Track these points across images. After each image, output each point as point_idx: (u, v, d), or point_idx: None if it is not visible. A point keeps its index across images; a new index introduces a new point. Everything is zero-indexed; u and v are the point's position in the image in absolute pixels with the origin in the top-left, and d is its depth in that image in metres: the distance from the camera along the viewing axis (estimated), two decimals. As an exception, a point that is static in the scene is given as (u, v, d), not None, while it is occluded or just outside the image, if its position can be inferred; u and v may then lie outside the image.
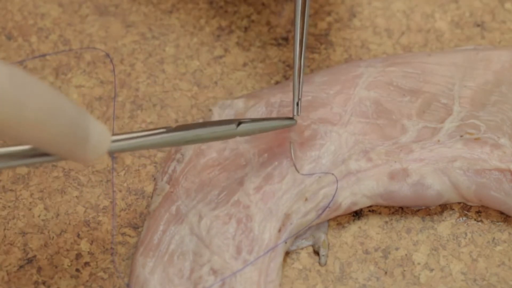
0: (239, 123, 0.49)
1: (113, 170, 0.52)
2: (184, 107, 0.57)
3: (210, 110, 0.55)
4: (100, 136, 0.42)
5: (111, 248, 0.52)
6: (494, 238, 0.51)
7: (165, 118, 0.57)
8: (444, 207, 0.53)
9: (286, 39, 0.60)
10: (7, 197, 0.53)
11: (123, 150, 0.45)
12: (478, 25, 0.60)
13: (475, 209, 0.52)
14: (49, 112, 0.39)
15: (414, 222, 0.52)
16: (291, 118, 0.51)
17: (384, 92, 0.55)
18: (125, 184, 0.54)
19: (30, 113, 0.38)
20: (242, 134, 0.49)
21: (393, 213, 0.53)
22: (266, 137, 0.53)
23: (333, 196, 0.51)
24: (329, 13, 0.61)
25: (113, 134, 0.45)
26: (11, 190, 0.54)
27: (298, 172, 0.51)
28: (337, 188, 0.51)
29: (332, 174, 0.51)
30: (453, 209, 0.53)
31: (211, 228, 0.50)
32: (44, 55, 0.59)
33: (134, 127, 0.56)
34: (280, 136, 0.52)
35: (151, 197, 0.53)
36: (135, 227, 0.52)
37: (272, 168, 0.52)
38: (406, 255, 0.51)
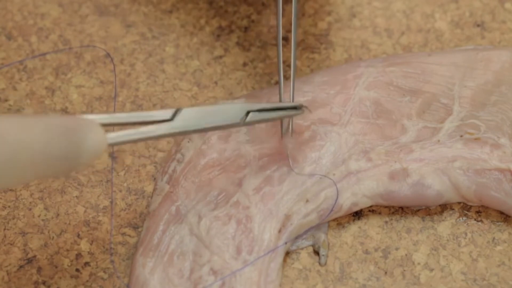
0: (248, 112, 0.48)
1: (112, 170, 0.52)
2: (184, 107, 0.57)
3: (210, 110, 0.55)
4: (95, 145, 0.41)
5: (110, 248, 0.52)
6: (494, 238, 0.51)
7: (165, 118, 0.57)
8: (444, 207, 0.53)
9: (286, 39, 0.60)
10: (7, 197, 0.53)
11: (122, 143, 0.44)
12: (478, 25, 0.60)
13: (475, 209, 0.52)
14: (40, 166, 0.38)
15: (414, 222, 0.52)
16: (299, 108, 0.50)
17: (384, 92, 0.55)
18: (125, 184, 0.54)
19: (23, 174, 0.38)
20: (247, 125, 0.48)
21: (393, 213, 0.53)
22: (270, 143, 0.53)
23: (335, 201, 0.51)
24: (329, 13, 0.61)
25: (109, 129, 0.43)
26: (11, 190, 0.54)
27: (293, 171, 0.51)
28: (337, 193, 0.51)
29: (330, 178, 0.51)
30: (453, 209, 0.53)
31: (210, 228, 0.50)
32: (43, 54, 0.59)
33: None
34: (280, 141, 0.52)
35: (151, 197, 0.53)
36: (135, 227, 0.52)
37: (272, 171, 0.52)
38: (406, 255, 0.51)
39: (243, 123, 0.47)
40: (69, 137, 0.39)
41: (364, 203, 0.51)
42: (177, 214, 0.51)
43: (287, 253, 0.51)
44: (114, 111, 0.57)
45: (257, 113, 0.48)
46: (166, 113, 0.45)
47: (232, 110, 0.47)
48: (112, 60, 0.59)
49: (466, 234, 0.52)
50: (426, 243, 0.51)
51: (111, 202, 0.53)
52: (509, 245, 0.51)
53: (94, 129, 0.41)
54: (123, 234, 0.52)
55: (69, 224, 0.53)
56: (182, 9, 0.62)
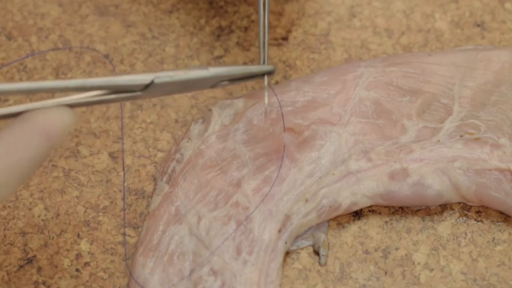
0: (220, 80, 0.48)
1: (123, 162, 0.52)
2: (184, 107, 0.57)
3: (210, 110, 0.55)
4: (66, 128, 0.43)
5: (123, 228, 0.52)
6: (494, 238, 0.51)
7: (165, 118, 0.57)
8: (444, 207, 0.53)
9: (286, 39, 0.60)
10: (7, 197, 0.53)
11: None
12: (478, 25, 0.60)
13: (475, 209, 0.52)
14: (28, 174, 0.42)
15: (414, 222, 0.52)
16: (269, 73, 0.51)
17: (384, 92, 0.55)
18: (125, 184, 0.54)
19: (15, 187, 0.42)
20: (216, 80, 0.48)
21: (393, 213, 0.53)
22: (264, 142, 0.53)
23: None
24: (329, 13, 0.61)
25: None
26: (11, 190, 0.54)
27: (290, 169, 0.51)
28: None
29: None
30: (453, 209, 0.53)
31: (210, 229, 0.50)
32: (41, 52, 0.59)
33: (134, 127, 0.56)
34: (277, 141, 0.52)
35: (151, 197, 0.53)
36: (135, 227, 0.52)
37: (271, 171, 0.52)
38: (406, 255, 0.51)
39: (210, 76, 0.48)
40: (48, 139, 0.41)
41: (364, 203, 0.51)
42: (176, 214, 0.51)
43: (287, 253, 0.51)
44: (122, 119, 0.57)
45: (220, 67, 0.48)
46: (144, 79, 0.45)
47: (204, 82, 0.47)
48: (110, 61, 0.59)
49: (466, 234, 0.52)
50: (426, 243, 0.51)
51: (113, 202, 0.53)
52: (509, 245, 0.51)
53: (63, 114, 0.43)
54: (123, 234, 0.52)
55: (69, 224, 0.53)
56: (182, 9, 0.62)
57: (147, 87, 0.45)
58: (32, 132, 0.41)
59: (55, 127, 0.42)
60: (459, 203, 0.53)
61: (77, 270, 0.51)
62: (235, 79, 0.49)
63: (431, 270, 0.50)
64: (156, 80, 0.45)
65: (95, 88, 0.44)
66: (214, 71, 0.47)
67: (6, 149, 0.40)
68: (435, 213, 0.52)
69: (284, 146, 0.52)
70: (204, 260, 0.49)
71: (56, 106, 0.42)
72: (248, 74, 0.50)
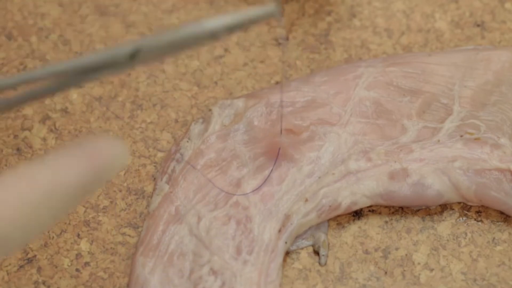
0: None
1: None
2: (184, 107, 0.57)
3: (210, 110, 0.55)
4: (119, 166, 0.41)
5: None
6: (494, 238, 0.51)
7: (165, 118, 0.57)
8: (444, 207, 0.53)
9: (286, 39, 0.60)
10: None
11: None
12: (478, 25, 0.60)
13: (475, 209, 0.52)
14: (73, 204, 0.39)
15: (414, 222, 0.52)
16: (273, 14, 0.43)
17: (384, 92, 0.55)
18: (125, 184, 0.54)
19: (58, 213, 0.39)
20: (213, 35, 0.41)
21: (393, 213, 0.53)
22: (262, 142, 0.53)
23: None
24: (329, 13, 0.61)
25: None
26: (11, 190, 0.54)
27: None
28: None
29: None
30: (453, 209, 0.53)
31: (210, 229, 0.50)
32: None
33: (134, 127, 0.56)
34: (276, 141, 0.52)
35: (151, 197, 0.53)
36: (135, 227, 0.52)
37: (270, 171, 0.52)
38: (406, 255, 0.51)
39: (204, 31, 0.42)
40: (94, 166, 0.39)
41: (363, 202, 0.51)
42: (176, 214, 0.51)
43: (287, 253, 0.51)
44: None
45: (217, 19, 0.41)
46: (128, 49, 0.41)
47: (200, 39, 0.42)
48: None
49: (466, 234, 0.52)
50: (426, 243, 0.51)
51: (112, 202, 0.53)
52: (509, 245, 0.51)
53: (114, 147, 0.40)
54: (123, 234, 0.52)
55: (69, 224, 0.53)
56: (182, 9, 0.62)
57: (133, 57, 0.42)
58: (77, 156, 0.38)
59: (102, 156, 0.39)
60: (459, 203, 0.53)
61: (77, 270, 0.51)
62: (235, 29, 0.44)
63: (431, 270, 0.50)
64: (144, 49, 0.42)
65: (84, 69, 0.41)
66: (209, 25, 0.43)
67: (50, 170, 0.37)
68: (435, 213, 0.52)
69: (280, 147, 0.52)
70: (204, 260, 0.49)
71: (107, 138, 0.40)
72: (249, 21, 0.45)
